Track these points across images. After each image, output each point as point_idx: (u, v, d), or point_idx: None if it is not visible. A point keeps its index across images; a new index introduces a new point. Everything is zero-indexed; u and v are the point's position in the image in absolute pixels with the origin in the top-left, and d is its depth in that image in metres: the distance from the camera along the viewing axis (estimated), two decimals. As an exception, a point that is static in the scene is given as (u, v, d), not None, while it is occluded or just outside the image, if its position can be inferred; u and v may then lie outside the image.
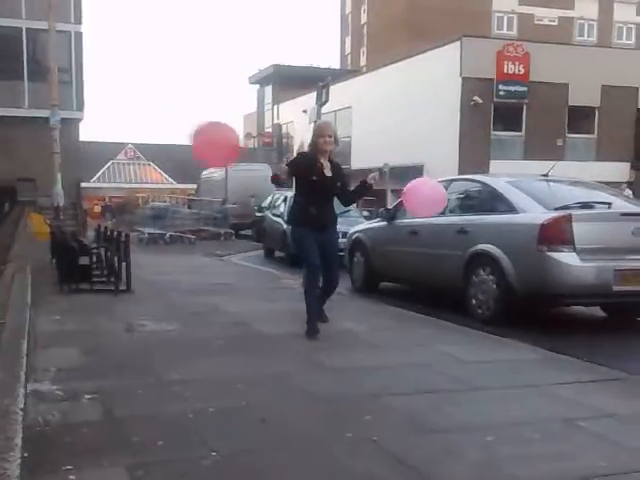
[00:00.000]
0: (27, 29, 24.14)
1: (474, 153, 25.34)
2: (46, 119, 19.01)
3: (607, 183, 10.13)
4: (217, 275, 11.19)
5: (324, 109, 12.75)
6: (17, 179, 22.54)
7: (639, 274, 6.57)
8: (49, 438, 3.31)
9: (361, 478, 2.95)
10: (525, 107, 27.61)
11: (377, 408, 3.91)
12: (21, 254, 11.55)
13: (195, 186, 32.76)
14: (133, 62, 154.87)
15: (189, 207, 24.67)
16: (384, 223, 9.23)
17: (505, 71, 26.97)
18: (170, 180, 52.10)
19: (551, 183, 7.62)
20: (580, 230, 6.46)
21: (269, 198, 17.91)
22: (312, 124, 7.36)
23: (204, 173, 28.75)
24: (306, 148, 6.44)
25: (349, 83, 34.23)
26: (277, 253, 15.28)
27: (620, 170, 27.85)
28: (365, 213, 15.45)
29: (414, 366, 4.98)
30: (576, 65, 27.03)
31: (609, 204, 6.97)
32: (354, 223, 11.11)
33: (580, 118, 28.31)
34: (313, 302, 5.96)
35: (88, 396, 3.99)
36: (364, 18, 59.25)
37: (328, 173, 6.02)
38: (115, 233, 9.61)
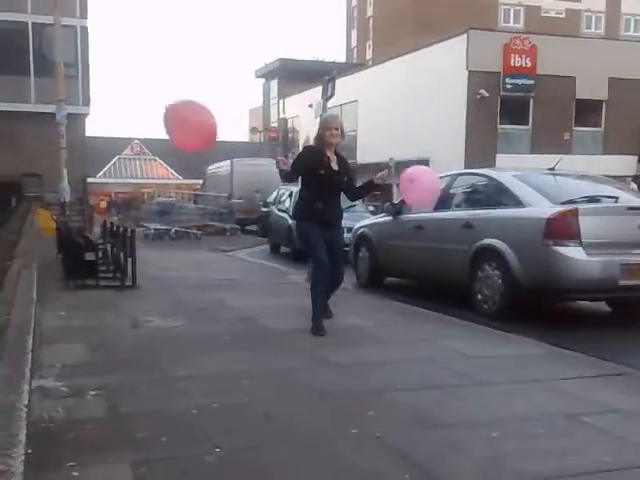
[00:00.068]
0: (33, 24, 24.16)
1: (480, 147, 25.27)
2: (52, 114, 19.01)
3: (614, 177, 10.09)
4: (223, 271, 11.20)
5: (330, 103, 12.67)
6: (23, 174, 22.59)
7: (646, 268, 6.54)
8: (53, 434, 3.32)
9: (365, 474, 2.95)
10: (532, 100, 27.51)
11: (381, 404, 3.91)
12: (27, 250, 11.57)
13: (201, 181, 32.81)
14: (139, 57, 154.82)
15: (195, 202, 24.70)
16: (389, 218, 9.22)
17: (512, 64, 26.87)
18: (176, 175, 52.15)
19: (557, 177, 7.59)
20: (586, 224, 6.43)
21: (274, 193, 17.91)
22: (318, 118, 7.32)
23: (210, 168, 28.81)
24: (312, 142, 6.35)
25: (355, 77, 34.17)
26: (283, 248, 15.27)
27: (627, 163, 27.74)
28: (371, 208, 15.44)
29: (418, 361, 4.97)
30: (583, 58, 26.90)
31: (616, 198, 6.93)
32: (359, 218, 11.08)
33: (587, 111, 28.19)
34: (319, 299, 5.93)
35: (93, 392, 4.00)
36: (370, 11, 59.08)
37: (335, 167, 5.96)
38: (121, 229, 9.62)
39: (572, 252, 6.41)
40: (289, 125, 44.64)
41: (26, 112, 23.05)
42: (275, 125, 46.34)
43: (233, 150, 33.49)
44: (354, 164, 19.76)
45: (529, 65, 27.00)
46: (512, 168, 9.42)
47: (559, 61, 26.42)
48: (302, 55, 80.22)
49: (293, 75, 42.57)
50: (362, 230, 9.83)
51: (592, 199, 6.82)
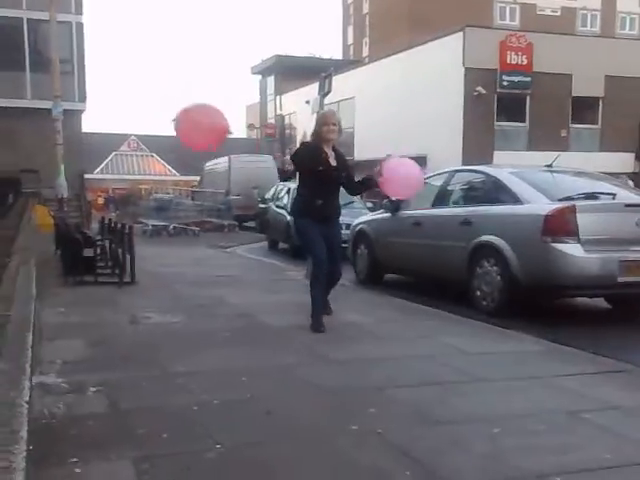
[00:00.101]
0: (28, 19, 24.13)
1: (477, 144, 25.29)
2: (49, 110, 19.00)
3: (611, 174, 10.10)
4: (221, 267, 11.19)
5: (327, 100, 12.67)
6: (20, 170, 22.57)
7: (644, 265, 6.55)
8: (55, 431, 3.32)
9: (366, 470, 2.95)
10: (528, 98, 27.55)
11: (382, 400, 3.92)
12: (25, 246, 11.55)
13: (198, 178, 32.75)
14: (135, 53, 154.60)
15: (192, 199, 24.67)
16: (388, 214, 9.21)
17: (508, 61, 26.92)
18: (173, 172, 52.09)
19: (555, 174, 7.59)
20: (584, 221, 6.44)
21: (272, 189, 17.89)
22: (315, 115, 7.31)
23: (207, 165, 28.74)
24: (309, 138, 6.29)
25: (352, 74, 34.14)
26: (281, 245, 15.27)
27: (624, 161, 27.79)
28: (369, 204, 15.42)
29: (418, 358, 4.98)
30: (579, 55, 26.94)
31: (613, 195, 6.94)
32: (358, 214, 11.08)
33: (584, 109, 28.24)
34: (319, 295, 5.92)
35: (93, 388, 4.00)
36: (366, 8, 59.07)
37: (333, 163, 5.93)
38: (119, 225, 9.61)
39: (570, 249, 6.41)
40: (286, 121, 44.62)
41: (23, 108, 23.03)
42: (272, 121, 46.31)
43: (230, 146, 33.43)
44: (351, 161, 19.72)
45: (525, 62, 27.04)
46: (509, 165, 9.43)
47: (555, 59, 26.46)
48: (298, 52, 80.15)
49: (290, 72, 42.53)
50: (361, 227, 9.83)
51: (590, 196, 6.82)
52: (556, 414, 3.67)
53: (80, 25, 25.10)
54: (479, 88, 26.18)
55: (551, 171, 7.64)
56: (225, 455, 3.07)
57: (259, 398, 3.89)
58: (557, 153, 8.36)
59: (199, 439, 3.25)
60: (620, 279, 6.41)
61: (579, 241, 6.42)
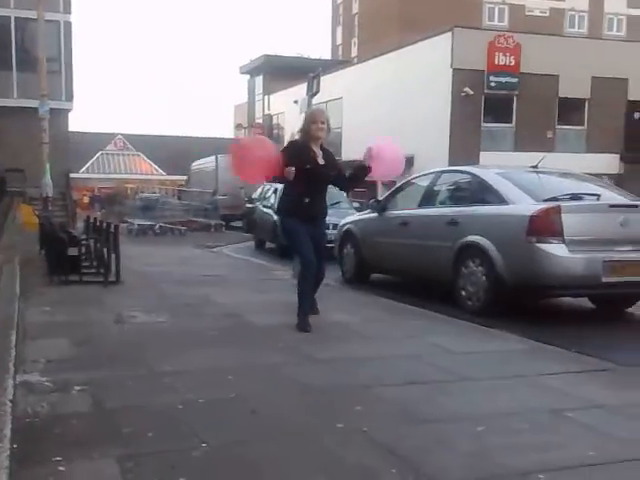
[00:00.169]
0: (16, 18, 23.93)
1: (464, 144, 25.38)
2: (35, 109, 18.87)
3: (596, 175, 10.17)
4: (208, 266, 11.17)
5: (315, 100, 12.70)
6: (6, 169, 22.36)
7: (628, 265, 6.61)
8: (38, 429, 3.30)
9: (352, 468, 2.96)
10: (515, 98, 27.68)
11: (368, 399, 3.92)
12: (10, 245, 11.47)
13: (185, 177, 32.68)
14: (123, 52, 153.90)
15: (179, 198, 24.62)
16: (375, 214, 9.23)
17: (496, 62, 27.03)
18: (160, 171, 51.95)
19: (540, 175, 7.64)
20: (569, 221, 6.47)
21: (259, 189, 17.88)
22: (303, 114, 7.32)
23: (194, 164, 28.71)
24: (297, 136, 6.23)
25: (340, 74, 34.17)
26: (268, 244, 15.26)
27: (609, 162, 27.97)
28: (356, 204, 15.45)
29: (405, 357, 4.99)
30: (567, 56, 27.09)
31: (598, 196, 6.99)
32: (345, 215, 11.09)
33: (570, 110, 28.40)
34: (306, 296, 5.92)
35: (78, 387, 3.98)
36: (355, 8, 59.14)
37: (321, 161, 5.91)
38: (104, 224, 9.56)
39: (555, 249, 6.45)
40: (274, 121, 44.57)
41: (9, 107, 22.85)
42: (260, 121, 46.23)
43: (218, 146, 33.37)
44: (339, 161, 19.70)
45: (513, 63, 27.16)
46: (496, 165, 9.48)
47: (543, 60, 26.59)
48: (287, 52, 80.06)
49: (278, 71, 42.48)
50: (347, 226, 9.84)
51: (575, 197, 6.87)
52: (540, 413, 3.70)
53: (68, 24, 24.93)
54: (467, 89, 26.28)
55: (537, 172, 7.69)
56: (210, 454, 3.07)
57: (245, 397, 3.88)
58: (543, 154, 8.41)
59: (185, 438, 3.24)
60: (604, 279, 6.45)
61: (564, 241, 6.45)
